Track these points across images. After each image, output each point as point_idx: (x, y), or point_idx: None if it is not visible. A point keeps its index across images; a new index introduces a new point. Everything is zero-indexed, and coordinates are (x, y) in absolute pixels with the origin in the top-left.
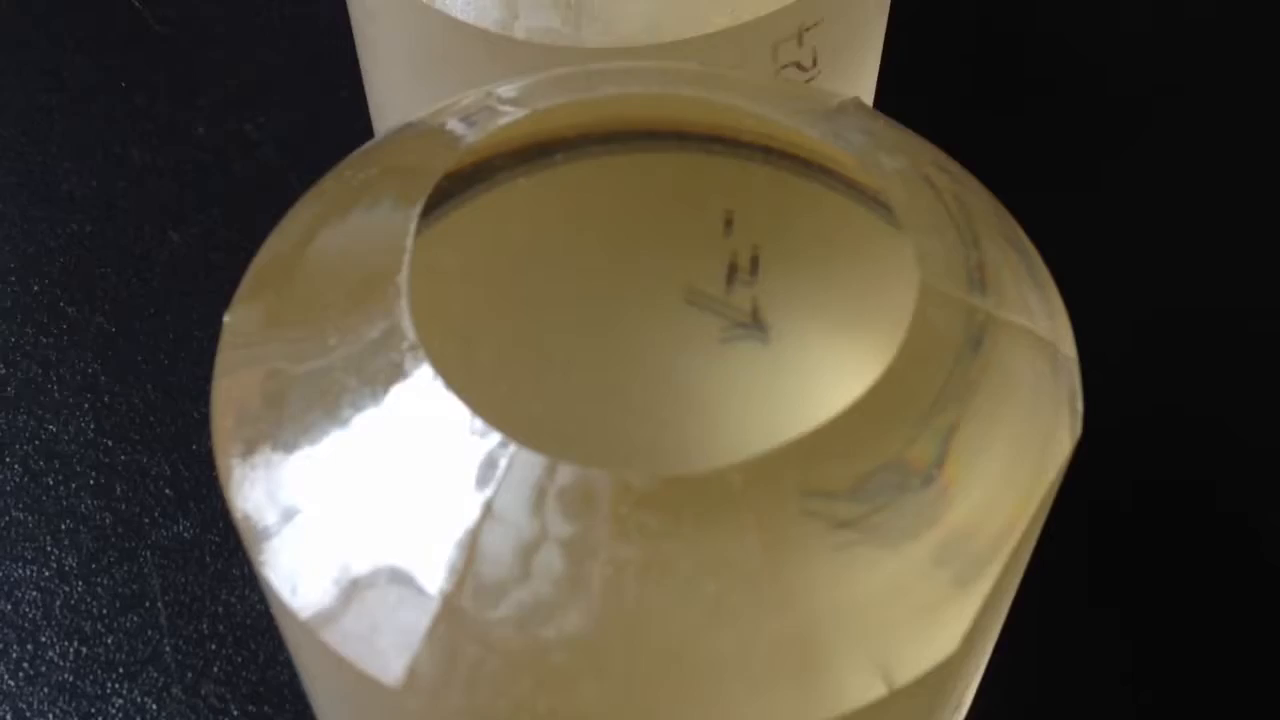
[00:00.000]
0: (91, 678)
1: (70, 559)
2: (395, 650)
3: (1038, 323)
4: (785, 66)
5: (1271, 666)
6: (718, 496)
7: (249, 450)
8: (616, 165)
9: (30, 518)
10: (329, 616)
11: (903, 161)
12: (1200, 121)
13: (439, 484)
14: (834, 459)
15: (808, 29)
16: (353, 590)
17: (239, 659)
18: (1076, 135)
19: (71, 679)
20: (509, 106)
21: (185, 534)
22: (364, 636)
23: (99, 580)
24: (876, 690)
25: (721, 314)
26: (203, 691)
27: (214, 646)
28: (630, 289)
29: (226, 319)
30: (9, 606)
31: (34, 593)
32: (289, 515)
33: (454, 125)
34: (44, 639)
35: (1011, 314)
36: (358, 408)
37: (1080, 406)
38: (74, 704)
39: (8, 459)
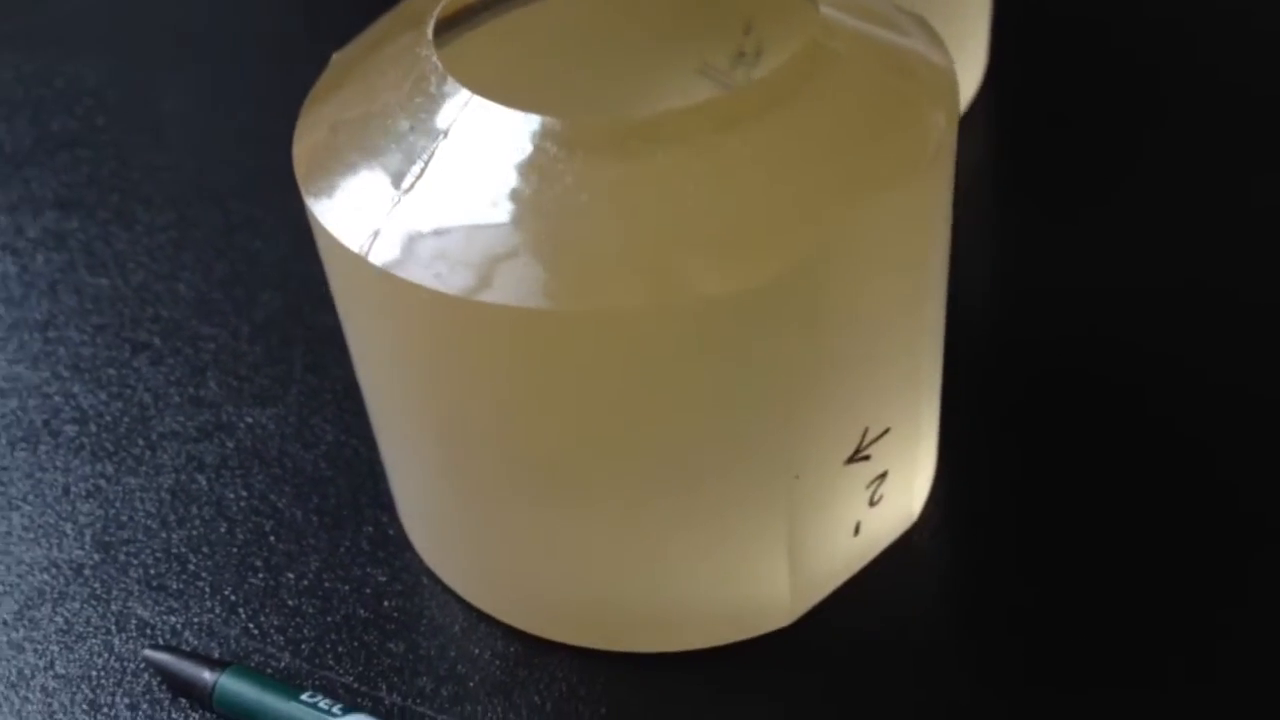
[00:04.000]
0: None
1: None
2: (366, 227)
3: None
4: None
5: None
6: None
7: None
8: None
9: None
10: (340, 217)
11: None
12: None
13: (421, 130)
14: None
15: None
16: (355, 195)
17: None
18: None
19: None
20: None
21: None
22: (348, 218)
23: None
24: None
25: (721, 83)
26: None
27: None
28: (650, 69)
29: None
30: None
31: None
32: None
33: None
34: None
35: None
36: (390, 106)
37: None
38: None
39: None
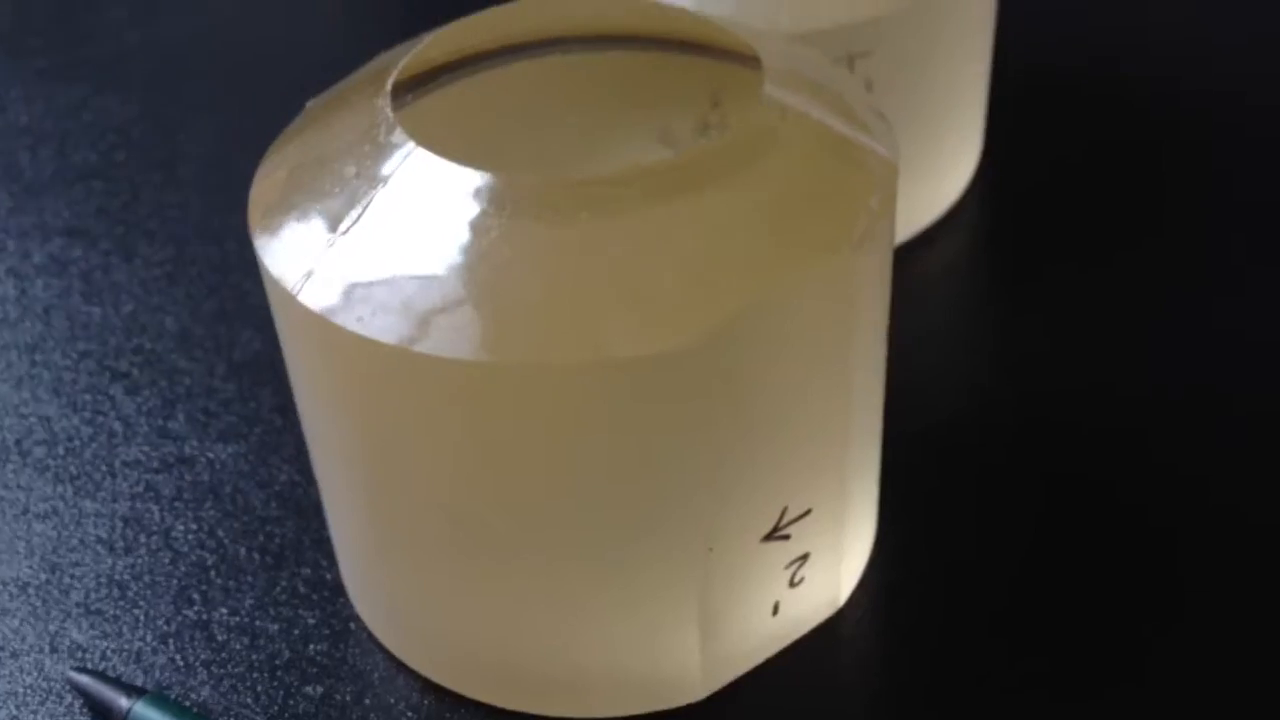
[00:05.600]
0: None
1: None
2: (300, 266)
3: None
4: None
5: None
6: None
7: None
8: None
9: None
10: (279, 256)
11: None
12: None
13: (364, 177)
14: None
15: (858, 55)
16: (295, 236)
17: None
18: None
19: None
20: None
21: None
22: (285, 257)
23: None
24: None
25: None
26: None
27: None
28: (614, 123)
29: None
30: None
31: None
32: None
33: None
34: None
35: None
36: (340, 151)
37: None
38: None
39: None
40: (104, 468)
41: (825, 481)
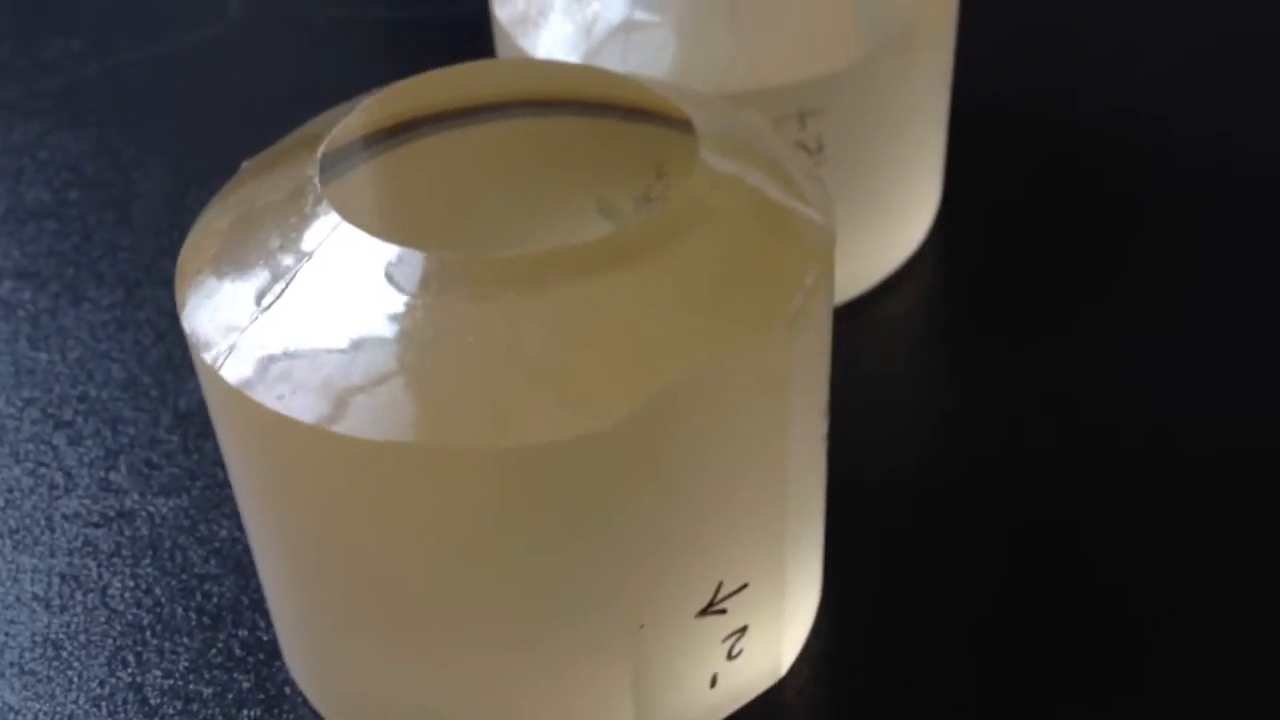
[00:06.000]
0: None
1: None
2: (222, 340)
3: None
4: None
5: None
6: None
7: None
8: (561, 123)
9: None
10: (202, 326)
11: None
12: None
13: (289, 249)
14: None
15: (809, 113)
16: (219, 306)
17: None
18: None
19: None
20: None
21: None
22: (208, 328)
23: None
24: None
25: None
26: None
27: None
28: (550, 205)
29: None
30: None
31: None
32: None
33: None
34: None
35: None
36: (262, 224)
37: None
38: None
39: None
40: (43, 521)
41: (763, 555)
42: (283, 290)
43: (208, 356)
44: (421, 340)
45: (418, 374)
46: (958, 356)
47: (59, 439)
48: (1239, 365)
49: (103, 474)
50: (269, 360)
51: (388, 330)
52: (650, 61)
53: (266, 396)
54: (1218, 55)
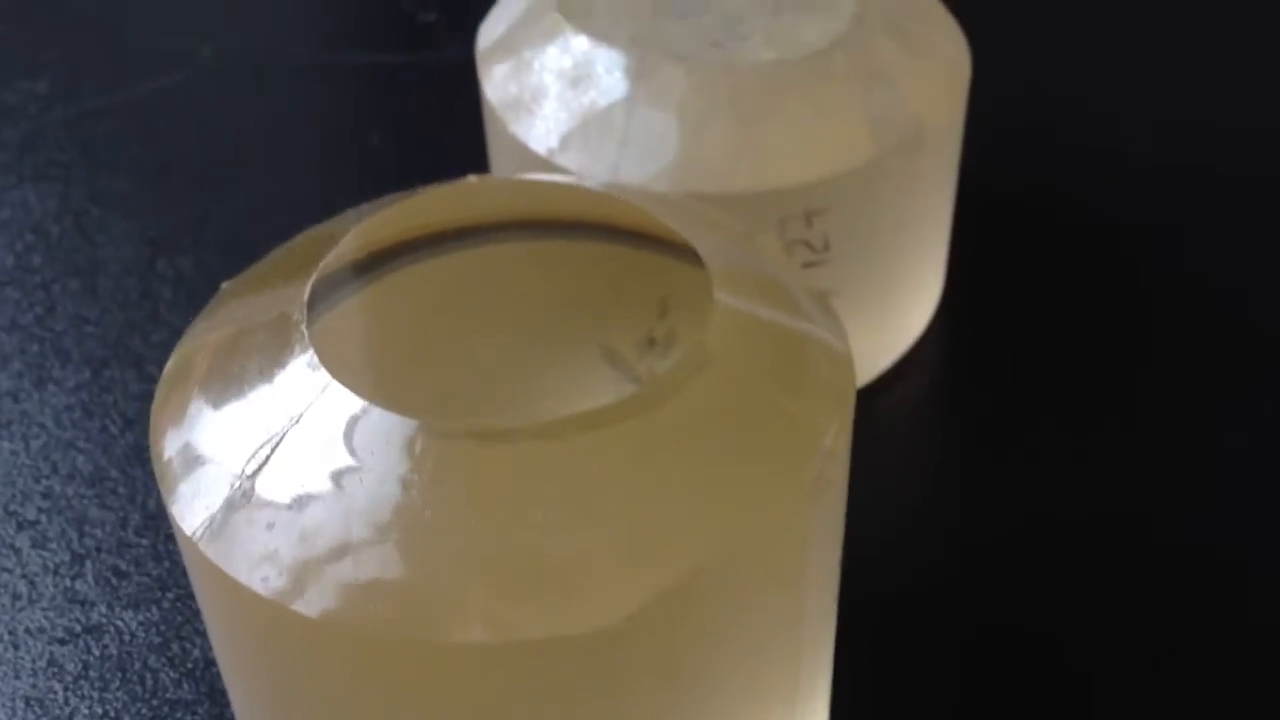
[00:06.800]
0: None
1: None
2: (204, 510)
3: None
4: (793, 243)
5: None
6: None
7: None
8: (560, 248)
9: None
10: (182, 491)
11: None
12: None
13: (275, 409)
14: None
15: (815, 213)
16: (200, 467)
17: None
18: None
19: None
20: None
21: None
22: (189, 493)
23: None
24: None
25: (626, 376)
26: None
27: None
28: (551, 348)
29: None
30: None
31: None
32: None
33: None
34: None
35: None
36: (245, 369)
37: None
38: None
39: None
40: (6, 636)
41: (772, 715)
42: (268, 456)
43: (186, 526)
44: (418, 523)
45: (414, 561)
46: (964, 450)
47: (22, 540)
48: (1266, 458)
49: (68, 583)
50: (252, 538)
51: (383, 511)
52: (650, 155)
53: (251, 579)
54: (1212, 143)
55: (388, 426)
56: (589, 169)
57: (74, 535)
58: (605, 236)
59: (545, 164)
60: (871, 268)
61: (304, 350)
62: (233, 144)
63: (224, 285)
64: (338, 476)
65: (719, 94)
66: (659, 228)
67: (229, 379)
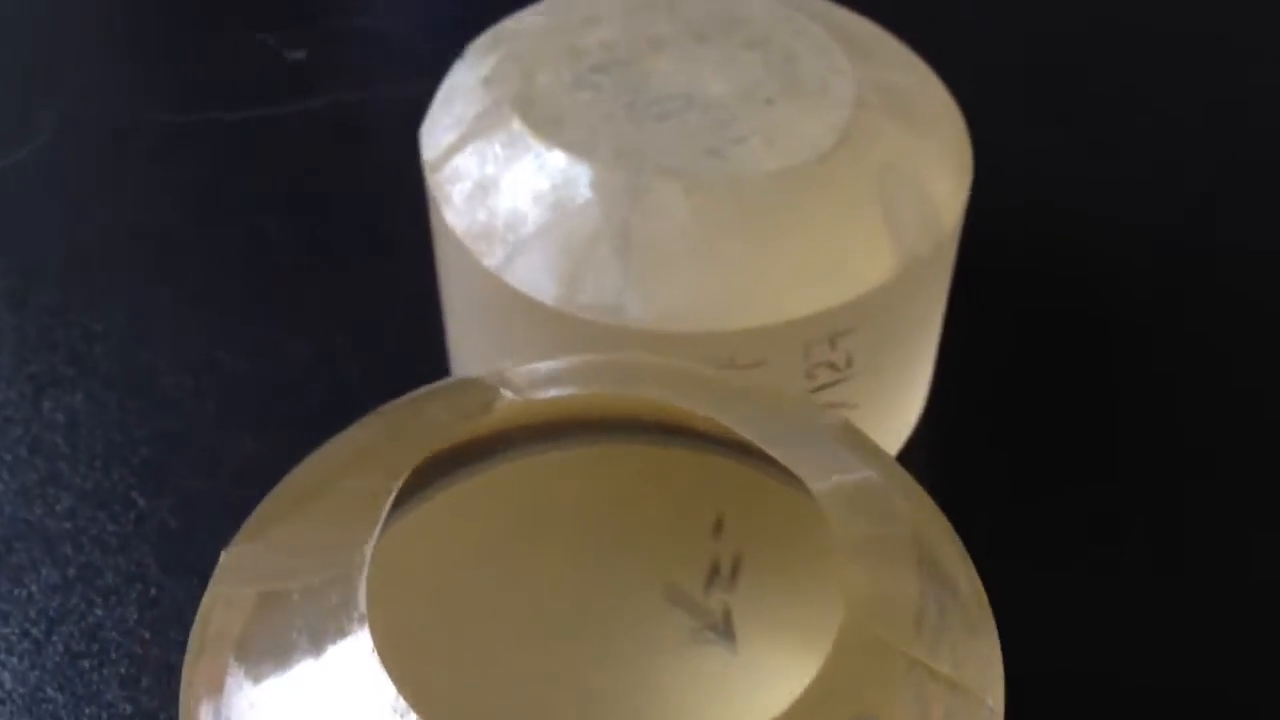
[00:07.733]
0: None
1: None
2: None
3: (964, 672)
4: (817, 365)
5: None
6: None
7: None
8: (603, 455)
9: (61, 696)
10: None
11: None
12: None
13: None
14: None
15: (841, 334)
16: None
17: None
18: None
19: None
20: (509, 391)
21: None
22: None
23: None
24: None
25: (696, 616)
26: None
27: None
28: (609, 583)
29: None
30: None
31: None
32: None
33: (440, 413)
34: None
35: (940, 664)
36: (297, 664)
37: None
38: None
39: (54, 638)
40: None
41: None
42: None
43: None
44: None
45: None
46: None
47: None
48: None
49: None
50: None
51: None
52: (656, 292)
53: None
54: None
55: None
56: (588, 313)
57: None
58: (665, 438)
59: (535, 307)
60: (889, 377)
61: (373, 674)
62: (85, 226)
63: (224, 553)
64: None
65: (725, 213)
66: (708, 424)
67: (280, 657)
